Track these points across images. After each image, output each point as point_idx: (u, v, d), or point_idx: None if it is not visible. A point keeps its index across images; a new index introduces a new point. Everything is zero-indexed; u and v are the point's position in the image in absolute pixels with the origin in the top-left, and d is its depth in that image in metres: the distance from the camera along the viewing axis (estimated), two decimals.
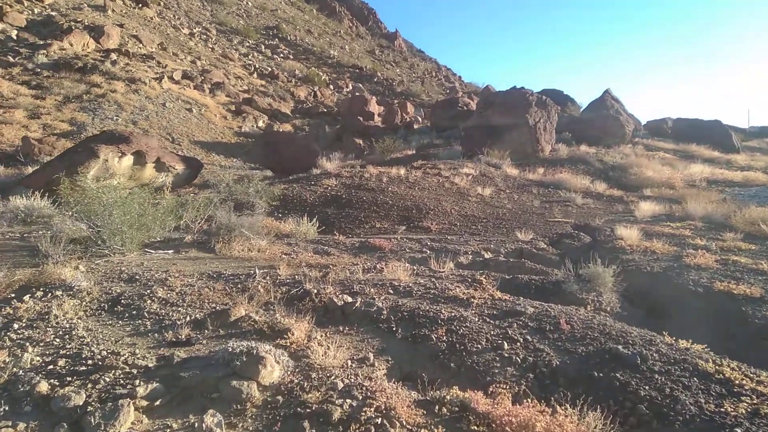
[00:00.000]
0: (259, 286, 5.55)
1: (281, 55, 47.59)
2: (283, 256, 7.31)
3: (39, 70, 24.42)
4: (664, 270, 6.60)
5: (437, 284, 5.76)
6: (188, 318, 4.63)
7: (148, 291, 5.30)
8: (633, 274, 6.55)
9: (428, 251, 7.92)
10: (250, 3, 58.98)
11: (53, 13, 31.24)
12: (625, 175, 17.46)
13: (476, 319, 4.63)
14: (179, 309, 4.87)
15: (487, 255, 7.71)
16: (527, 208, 12.19)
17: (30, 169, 14.20)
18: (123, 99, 24.11)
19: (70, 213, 8.06)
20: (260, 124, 29.00)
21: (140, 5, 40.63)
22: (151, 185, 13.83)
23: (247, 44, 47.01)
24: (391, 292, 5.47)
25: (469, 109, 28.79)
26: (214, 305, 5.01)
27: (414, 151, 22.53)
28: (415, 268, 6.65)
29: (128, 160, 13.24)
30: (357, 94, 37.55)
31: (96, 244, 7.24)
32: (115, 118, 22.47)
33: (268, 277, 5.93)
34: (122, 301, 5.06)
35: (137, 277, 5.86)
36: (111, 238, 7.02)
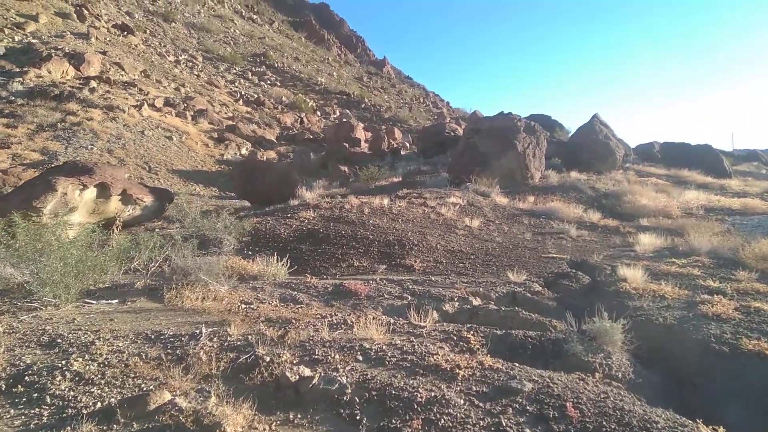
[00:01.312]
0: (202, 353, 4.61)
1: (268, 81, 47.24)
2: (242, 306, 6.37)
3: (13, 98, 23.53)
4: (678, 321, 5.72)
5: (416, 346, 4.84)
6: (99, 404, 3.67)
7: (64, 362, 4.34)
8: (644, 326, 5.68)
9: (409, 297, 7.01)
10: (237, 31, 58.98)
11: (34, 41, 30.50)
12: (619, 203, 16.75)
13: (461, 402, 3.71)
14: (92, 390, 3.91)
15: (476, 302, 6.82)
16: (518, 241, 11.35)
17: None
18: (99, 127, 23.22)
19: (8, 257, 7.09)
20: (243, 151, 28.23)
21: (125, 33, 40.13)
22: (116, 219, 12.93)
23: (234, 71, 46.64)
24: (360, 358, 4.55)
25: (456, 135, 28.26)
26: (138, 383, 4.06)
27: (400, 179, 21.79)
28: (392, 321, 5.72)
29: (91, 192, 12.28)
30: (344, 120, 37.01)
31: (30, 294, 6.29)
32: (90, 146, 21.57)
33: (215, 339, 4.99)
34: (27, 377, 4.10)
35: (60, 340, 4.89)
36: (41, 289, 6.06)
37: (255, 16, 70.31)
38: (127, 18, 45.21)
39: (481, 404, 3.71)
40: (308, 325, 5.47)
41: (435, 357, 4.51)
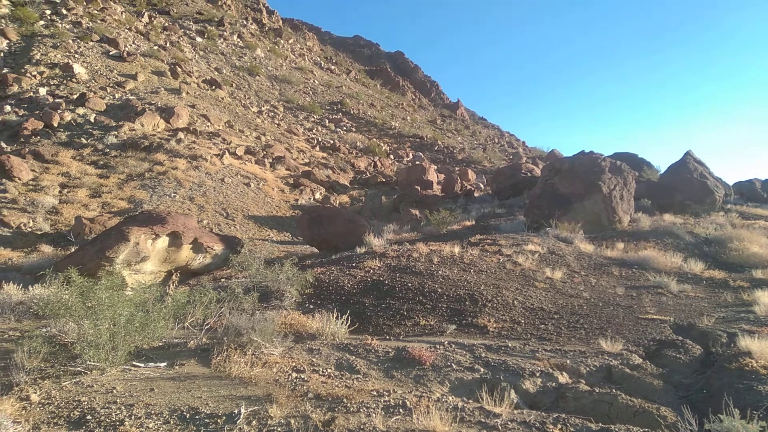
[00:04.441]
0: None
1: (344, 128, 48.49)
2: (293, 375, 5.73)
3: (108, 150, 25.45)
4: None
5: None
6: None
7: None
8: None
9: (482, 369, 6.06)
10: (316, 81, 61.59)
11: (131, 97, 33.15)
12: (725, 250, 14.72)
13: None
14: None
15: (562, 378, 5.75)
16: (609, 297, 9.99)
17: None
18: (183, 176, 24.40)
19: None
20: (317, 196, 28.58)
21: (213, 87, 42.97)
22: (187, 267, 13.04)
23: (312, 119, 48.40)
24: None
25: (533, 176, 26.92)
26: None
27: (473, 222, 20.77)
28: (459, 403, 4.83)
29: (163, 241, 12.48)
30: (416, 162, 36.79)
31: (79, 356, 6.04)
32: (173, 194, 22.61)
33: (254, 422, 4.36)
34: None
35: (89, 416, 4.48)
36: (86, 351, 5.78)
37: (333, 67, 73.41)
38: (216, 73, 48.56)
39: None
40: (361, 406, 4.71)
41: None
